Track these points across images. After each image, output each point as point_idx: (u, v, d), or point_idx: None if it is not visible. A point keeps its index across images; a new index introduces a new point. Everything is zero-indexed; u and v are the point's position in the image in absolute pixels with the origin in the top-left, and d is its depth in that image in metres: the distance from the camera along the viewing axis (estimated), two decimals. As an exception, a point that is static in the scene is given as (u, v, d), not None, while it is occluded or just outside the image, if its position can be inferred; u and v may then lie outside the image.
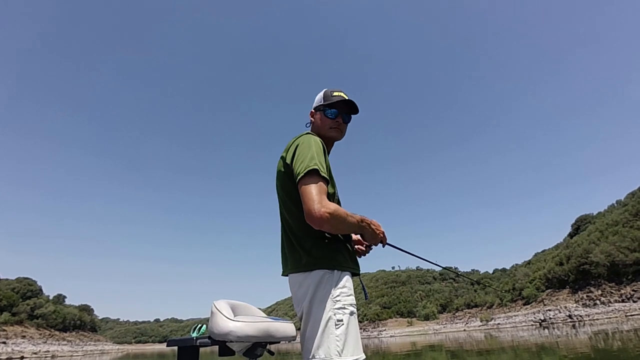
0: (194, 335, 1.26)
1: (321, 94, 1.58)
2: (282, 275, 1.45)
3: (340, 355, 1.12)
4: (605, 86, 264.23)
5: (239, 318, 1.22)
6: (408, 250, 1.65)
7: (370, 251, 1.62)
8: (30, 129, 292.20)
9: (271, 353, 1.41)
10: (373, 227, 1.39)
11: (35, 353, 47.51)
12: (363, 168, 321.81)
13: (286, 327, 1.30)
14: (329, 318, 1.17)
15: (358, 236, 1.58)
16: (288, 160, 1.35)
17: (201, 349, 1.27)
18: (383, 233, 1.45)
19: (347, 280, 1.27)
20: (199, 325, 1.30)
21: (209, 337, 1.22)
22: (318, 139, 1.39)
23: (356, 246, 1.59)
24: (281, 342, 1.35)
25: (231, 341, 1.19)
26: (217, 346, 1.25)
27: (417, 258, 1.77)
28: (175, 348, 1.26)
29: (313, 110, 1.59)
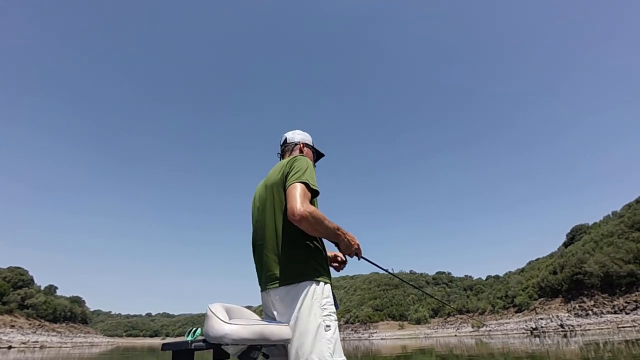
0: (189, 338, 1.24)
1: (308, 135, 1.91)
2: (263, 290, 1.50)
3: (332, 357, 1.25)
4: (604, 93, 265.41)
5: (234, 321, 1.22)
6: (384, 267, 1.78)
7: (344, 267, 1.77)
8: (25, 122, 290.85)
9: (266, 356, 1.42)
10: (348, 237, 1.50)
11: (24, 343, 47.03)
12: (360, 169, 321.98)
13: (281, 330, 1.30)
14: (319, 324, 1.29)
15: (335, 253, 1.72)
16: (286, 171, 1.48)
17: (196, 352, 1.26)
18: (358, 245, 1.55)
19: (329, 290, 1.41)
20: (194, 329, 1.28)
21: (204, 340, 1.21)
22: (312, 163, 1.56)
23: (333, 264, 1.74)
24: (276, 344, 1.36)
25: (226, 344, 1.19)
26: (212, 349, 1.24)
27: (397, 274, 1.86)
28: (170, 352, 1.24)
29: (304, 144, 1.85)
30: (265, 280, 1.47)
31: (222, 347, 1.22)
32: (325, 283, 1.41)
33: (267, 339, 1.23)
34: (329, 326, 1.30)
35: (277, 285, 1.40)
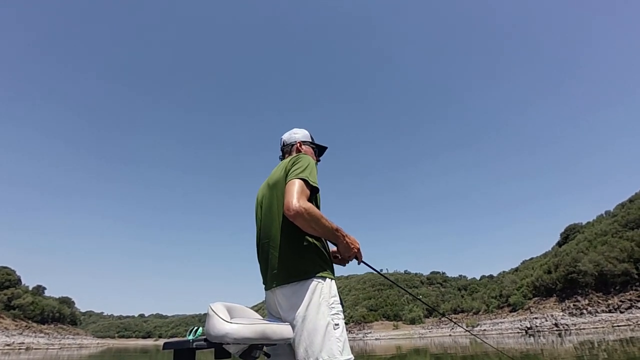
0: (190, 337, 1.23)
1: (306, 132, 1.87)
2: (269, 289, 1.46)
3: (341, 355, 1.24)
4: (600, 96, 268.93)
5: (236, 320, 1.20)
6: (383, 274, 1.85)
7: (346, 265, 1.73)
8: (15, 121, 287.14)
9: (267, 355, 1.41)
10: (348, 240, 1.46)
11: (8, 345, 45.88)
12: (356, 171, 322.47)
13: (282, 329, 1.28)
14: (328, 322, 1.28)
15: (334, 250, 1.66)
16: (288, 168, 1.47)
17: (197, 351, 1.24)
18: (358, 249, 1.52)
19: (336, 288, 1.40)
20: (195, 328, 1.27)
21: (205, 340, 1.20)
22: (313, 161, 1.54)
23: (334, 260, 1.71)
24: (277, 343, 1.35)
25: (228, 343, 1.18)
26: (214, 348, 1.23)
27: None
28: (172, 351, 1.23)
29: (300, 142, 1.82)
30: (271, 279, 1.44)
31: (224, 346, 1.20)
32: (332, 279, 1.41)
33: (268, 338, 1.22)
34: (337, 324, 1.30)
35: (284, 283, 1.38)
